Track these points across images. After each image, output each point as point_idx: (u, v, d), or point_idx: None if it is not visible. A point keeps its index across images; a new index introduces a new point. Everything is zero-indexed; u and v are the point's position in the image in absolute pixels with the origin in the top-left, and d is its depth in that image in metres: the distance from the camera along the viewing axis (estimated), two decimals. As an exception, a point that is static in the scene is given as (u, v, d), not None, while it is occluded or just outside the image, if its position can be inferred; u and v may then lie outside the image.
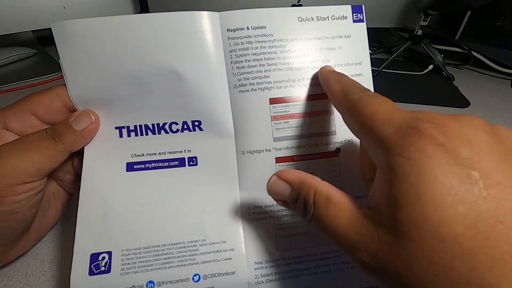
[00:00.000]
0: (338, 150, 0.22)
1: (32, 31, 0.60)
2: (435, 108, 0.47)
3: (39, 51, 0.59)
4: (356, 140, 0.22)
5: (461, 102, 0.50)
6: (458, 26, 0.63)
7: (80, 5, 0.50)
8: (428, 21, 0.55)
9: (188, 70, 0.21)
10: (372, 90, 0.21)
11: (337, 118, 0.22)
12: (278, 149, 0.21)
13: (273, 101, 0.21)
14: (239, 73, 0.21)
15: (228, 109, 0.22)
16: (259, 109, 0.21)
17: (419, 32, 0.56)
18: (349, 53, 0.22)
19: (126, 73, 0.21)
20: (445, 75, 0.57)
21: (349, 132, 0.21)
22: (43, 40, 0.62)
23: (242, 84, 0.21)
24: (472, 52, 0.59)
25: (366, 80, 0.22)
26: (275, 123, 0.21)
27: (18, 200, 0.18)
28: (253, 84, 0.21)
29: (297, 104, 0.22)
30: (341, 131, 0.22)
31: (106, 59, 0.20)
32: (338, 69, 0.22)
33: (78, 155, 0.22)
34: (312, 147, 0.22)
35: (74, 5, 0.49)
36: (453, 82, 0.56)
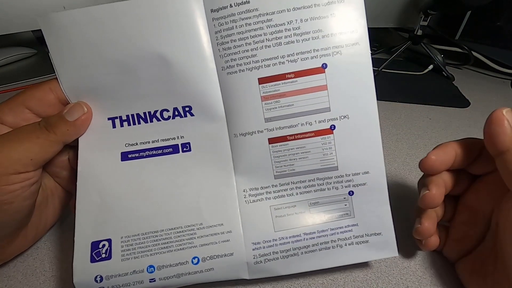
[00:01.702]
0: (332, 127, 0.21)
1: (32, 31, 0.60)
2: (435, 108, 0.47)
3: (39, 51, 0.59)
4: (353, 116, 0.21)
5: (461, 102, 0.50)
6: (458, 26, 0.63)
7: (80, 5, 0.50)
8: (428, 21, 0.55)
9: (174, 54, 0.20)
10: (370, 61, 0.21)
11: (331, 93, 0.21)
12: (271, 130, 0.21)
13: (262, 80, 0.21)
14: (225, 55, 0.21)
15: (218, 93, 0.21)
16: (248, 90, 0.21)
17: (419, 32, 0.56)
18: (343, 20, 0.20)
19: (114, 62, 0.21)
20: (445, 75, 0.57)
21: (344, 108, 0.21)
22: (43, 40, 0.62)
23: (229, 65, 0.21)
24: (472, 52, 0.59)
25: (363, 50, 0.21)
26: (265, 104, 0.21)
27: (12, 190, 0.18)
28: (240, 64, 0.21)
29: (287, 82, 0.21)
30: (336, 107, 0.21)
31: (93, 50, 0.21)
32: (330, 39, 0.20)
33: (74, 150, 0.22)
34: (305, 126, 0.21)
35: (74, 5, 0.49)
36: (453, 82, 0.56)
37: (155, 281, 0.20)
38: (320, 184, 0.22)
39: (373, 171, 0.21)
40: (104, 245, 0.20)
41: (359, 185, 0.21)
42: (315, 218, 0.22)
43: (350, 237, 0.21)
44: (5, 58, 0.53)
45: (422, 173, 0.35)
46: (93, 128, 0.22)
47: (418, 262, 0.24)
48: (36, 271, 0.23)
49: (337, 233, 0.21)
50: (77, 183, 0.21)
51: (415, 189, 0.31)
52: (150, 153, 0.22)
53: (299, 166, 0.21)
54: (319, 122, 0.21)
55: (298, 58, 0.20)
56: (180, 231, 0.21)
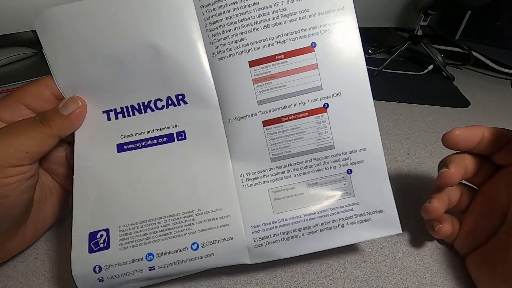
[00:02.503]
0: (326, 105, 0.21)
1: (32, 31, 0.60)
2: (435, 108, 0.47)
3: (39, 51, 0.59)
4: (346, 93, 0.21)
5: (461, 102, 0.50)
6: (458, 26, 0.63)
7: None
8: (428, 21, 0.55)
9: (166, 44, 0.21)
10: (359, 37, 0.21)
11: (322, 72, 0.21)
12: (264, 112, 0.21)
13: (252, 63, 0.21)
14: (215, 41, 0.21)
15: (210, 79, 0.21)
16: (239, 74, 0.21)
17: (419, 32, 0.56)
18: None
19: (107, 55, 0.21)
20: (445, 75, 0.57)
21: (337, 85, 0.21)
22: (43, 40, 0.62)
23: (219, 51, 0.21)
24: (472, 52, 0.59)
25: (351, 26, 0.21)
26: (257, 86, 0.21)
27: (8, 183, 0.18)
28: (230, 49, 0.21)
29: (278, 63, 0.21)
30: (328, 85, 0.21)
31: (85, 44, 0.21)
32: (317, 18, 0.20)
33: (71, 147, 0.22)
34: (298, 106, 0.21)
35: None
36: (453, 82, 0.56)
37: (154, 269, 0.20)
38: (318, 164, 0.21)
39: (370, 148, 0.21)
40: (102, 235, 0.20)
41: (357, 162, 0.21)
42: (314, 199, 0.21)
43: (352, 216, 0.21)
44: (5, 58, 0.53)
45: (422, 173, 0.35)
46: (88, 122, 0.22)
47: (418, 262, 0.24)
48: (36, 271, 0.23)
49: (338, 212, 0.21)
50: (74, 176, 0.21)
51: (415, 189, 0.31)
52: (146, 143, 0.22)
53: (295, 148, 0.21)
54: (312, 101, 0.21)
55: (287, 39, 0.21)
56: (178, 218, 0.21)
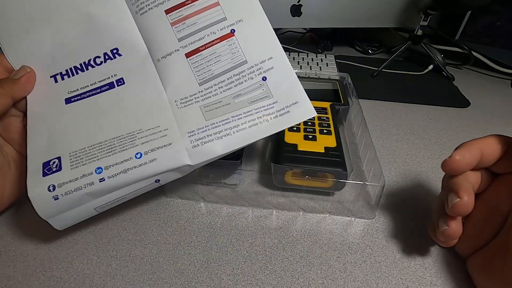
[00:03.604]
0: (232, 30, 0.26)
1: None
2: (435, 108, 0.47)
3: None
4: (246, 18, 0.26)
5: (461, 102, 0.50)
6: (458, 26, 0.63)
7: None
8: (428, 21, 0.55)
9: (97, 10, 0.26)
10: None
11: (223, 7, 0.26)
12: (184, 47, 0.26)
13: (168, 11, 0.26)
14: (136, 1, 0.26)
15: (137, 32, 0.26)
16: (159, 21, 0.26)
17: (419, 32, 0.56)
18: None
19: (48, 27, 0.26)
20: (445, 75, 0.57)
21: (237, 14, 0.26)
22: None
23: (140, 8, 0.26)
24: (472, 52, 0.59)
25: None
26: (175, 27, 0.26)
27: None
28: (148, 5, 0.26)
29: (187, 7, 0.26)
30: (230, 15, 0.26)
31: (30, 21, 0.26)
32: None
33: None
34: (211, 35, 0.26)
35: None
36: (453, 82, 0.56)
37: (104, 180, 0.22)
38: (238, 79, 0.26)
39: (275, 55, 0.26)
40: (54, 162, 0.23)
41: (268, 70, 0.26)
42: (240, 105, 0.25)
43: (273, 112, 0.25)
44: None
45: (422, 173, 0.35)
46: (38, 87, 0.26)
47: (418, 262, 0.24)
48: (36, 271, 0.23)
49: (261, 111, 0.25)
50: (27, 125, 0.24)
51: (415, 189, 0.31)
52: (90, 93, 0.26)
53: (216, 69, 0.26)
54: (221, 29, 0.26)
55: None
56: (122, 138, 0.24)
